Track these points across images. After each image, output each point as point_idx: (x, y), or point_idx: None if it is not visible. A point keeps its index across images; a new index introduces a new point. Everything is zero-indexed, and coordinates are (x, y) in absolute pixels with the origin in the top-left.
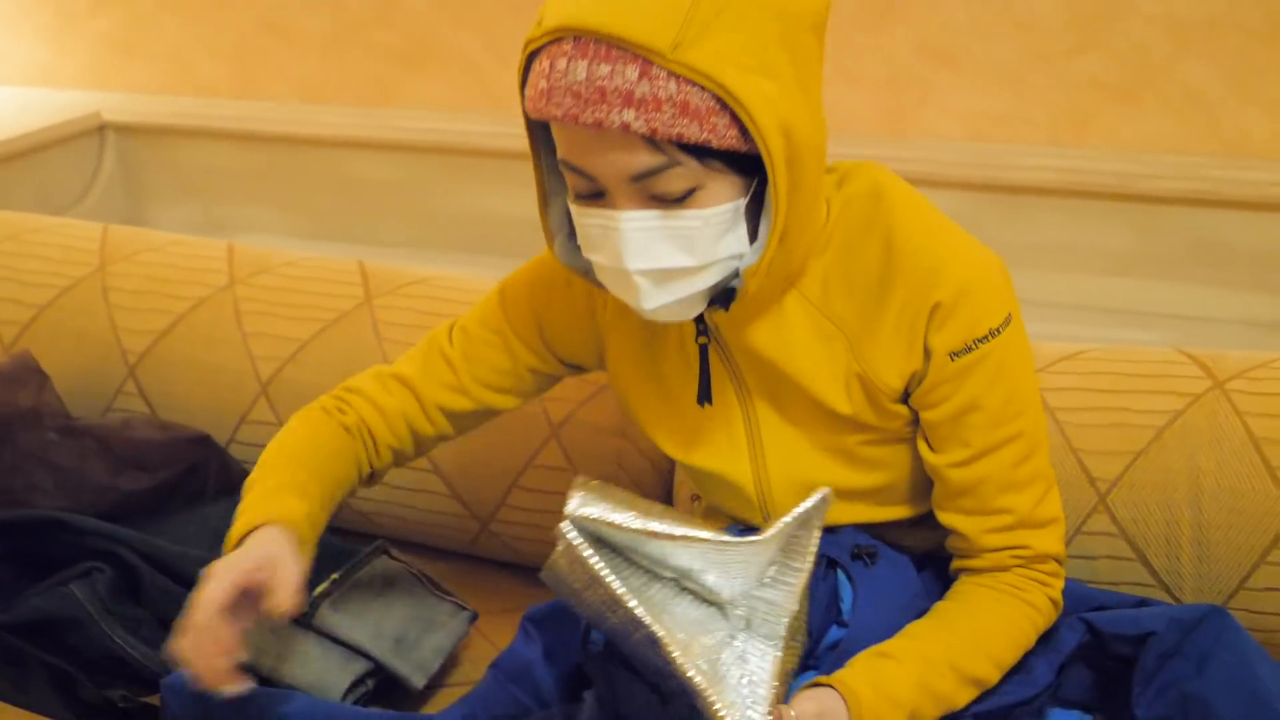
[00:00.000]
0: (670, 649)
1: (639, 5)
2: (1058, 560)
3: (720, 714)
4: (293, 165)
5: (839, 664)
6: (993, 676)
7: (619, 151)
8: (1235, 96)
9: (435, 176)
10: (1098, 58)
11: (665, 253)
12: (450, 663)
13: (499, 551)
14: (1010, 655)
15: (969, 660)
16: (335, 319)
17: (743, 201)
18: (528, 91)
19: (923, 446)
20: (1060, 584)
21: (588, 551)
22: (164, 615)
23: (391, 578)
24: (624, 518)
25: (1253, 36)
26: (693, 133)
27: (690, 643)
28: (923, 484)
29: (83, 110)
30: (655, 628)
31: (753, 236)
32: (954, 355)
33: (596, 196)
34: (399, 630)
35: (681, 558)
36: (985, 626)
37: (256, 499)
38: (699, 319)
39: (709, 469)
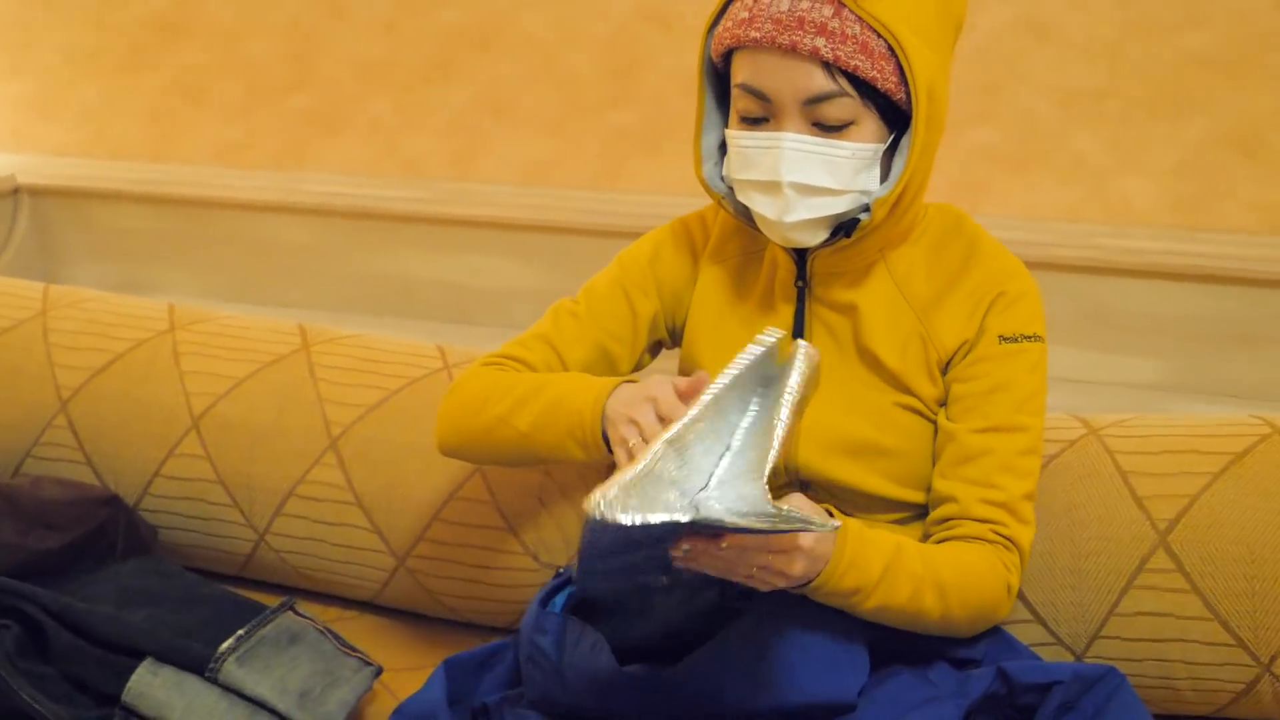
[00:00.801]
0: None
1: None
2: (1021, 563)
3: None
4: (207, 228)
5: None
6: (953, 600)
7: (801, 74)
8: (1120, 165)
9: (348, 239)
10: (990, 128)
11: (815, 173)
12: (354, 717)
13: (410, 595)
14: (973, 593)
15: (939, 565)
16: (272, 361)
17: (882, 147)
18: (724, 23)
19: (943, 419)
20: (1017, 584)
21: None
22: (71, 672)
23: (297, 633)
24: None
25: (1137, 107)
26: (865, 69)
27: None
28: (926, 472)
29: None
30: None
31: (881, 182)
32: (1003, 339)
33: (761, 121)
34: (304, 685)
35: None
36: (958, 555)
37: (567, 397)
38: (800, 267)
39: None
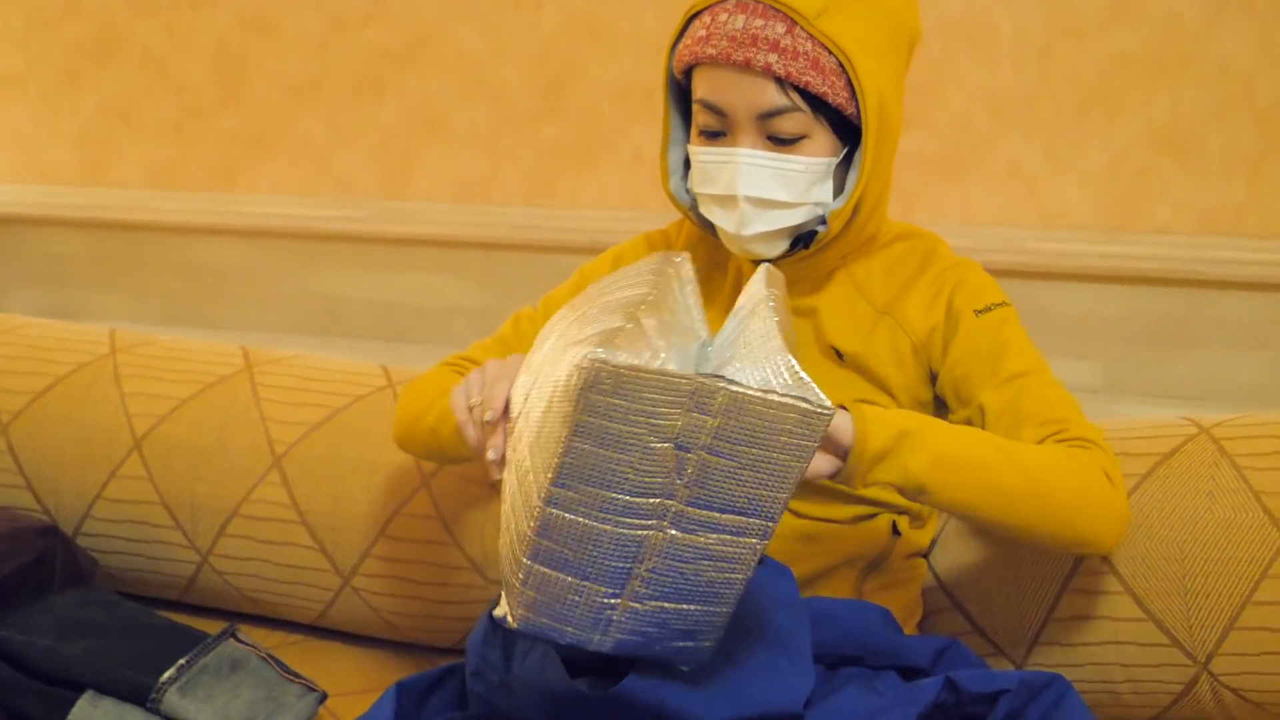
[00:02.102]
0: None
1: None
2: (1106, 456)
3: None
4: (141, 251)
5: None
6: (1039, 473)
7: (755, 90)
8: (1052, 169)
9: (283, 260)
10: (922, 135)
11: (770, 186)
12: None
13: (355, 616)
14: (1061, 472)
15: (1005, 443)
16: (215, 382)
17: (834, 161)
18: (684, 41)
19: (961, 414)
20: (1117, 474)
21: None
22: (9, 705)
23: (239, 661)
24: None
25: (1067, 109)
26: (816, 84)
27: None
28: None
29: None
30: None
31: (836, 196)
32: (978, 312)
33: (719, 135)
34: (246, 713)
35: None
36: (1027, 445)
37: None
38: None
39: None
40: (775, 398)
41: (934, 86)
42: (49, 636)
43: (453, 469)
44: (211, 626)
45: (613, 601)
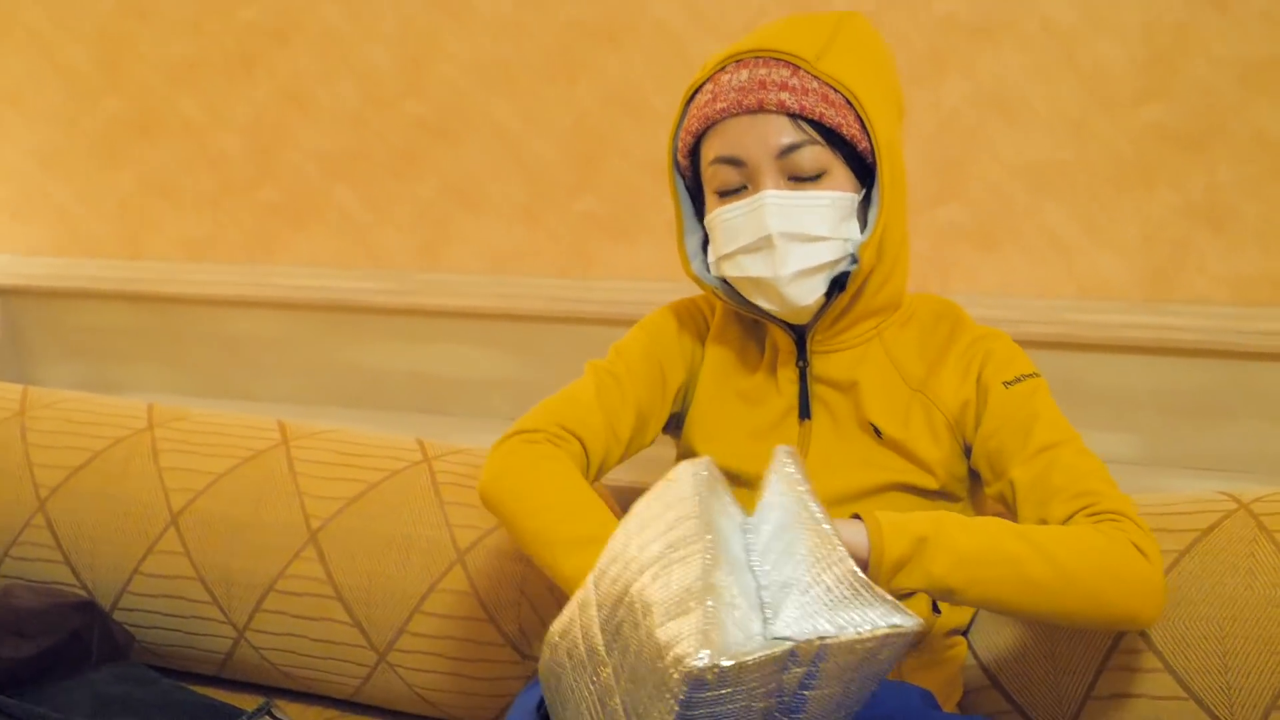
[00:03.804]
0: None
1: (787, 34)
2: (1138, 527)
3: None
4: (178, 323)
5: None
6: (1066, 558)
7: (770, 129)
8: (1088, 240)
9: (318, 331)
10: (957, 206)
11: (801, 220)
12: None
13: (390, 692)
14: (1090, 554)
15: (1030, 530)
16: (251, 456)
17: (857, 198)
18: (690, 112)
19: (993, 489)
20: (1150, 546)
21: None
22: None
23: None
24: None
25: (1104, 181)
26: (830, 116)
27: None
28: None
29: None
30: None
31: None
32: (1007, 384)
33: (740, 190)
34: None
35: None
36: (1052, 527)
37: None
38: (800, 348)
39: (748, 472)
40: (866, 636)
41: (968, 158)
42: (85, 713)
43: (488, 545)
44: (248, 702)
45: None
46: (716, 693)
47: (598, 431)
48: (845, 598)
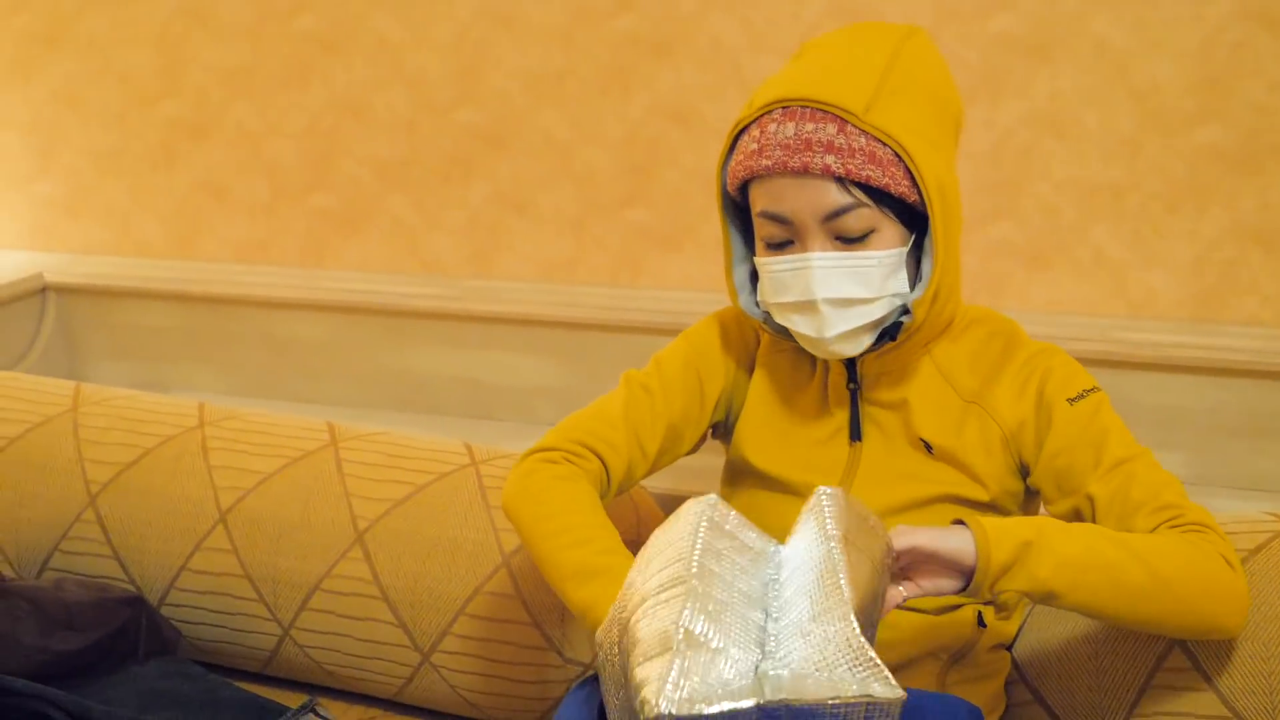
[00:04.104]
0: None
1: (837, 78)
2: (1220, 538)
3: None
4: (228, 325)
5: None
6: (1161, 565)
7: (817, 193)
8: (1139, 259)
9: (369, 336)
10: (1010, 224)
11: (846, 285)
12: None
13: (434, 693)
14: (1180, 560)
15: (1126, 537)
16: (300, 457)
17: (905, 250)
18: (736, 157)
19: (1063, 507)
20: (1233, 556)
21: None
22: None
23: None
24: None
25: (1155, 201)
26: (877, 177)
27: None
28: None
29: (26, 271)
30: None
31: (911, 284)
32: (1071, 400)
33: (786, 244)
34: None
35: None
36: (1146, 535)
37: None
38: (850, 371)
39: (798, 482)
40: (840, 703)
41: (1020, 177)
42: (132, 706)
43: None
44: (292, 699)
45: None
46: None
47: (620, 449)
48: (833, 658)
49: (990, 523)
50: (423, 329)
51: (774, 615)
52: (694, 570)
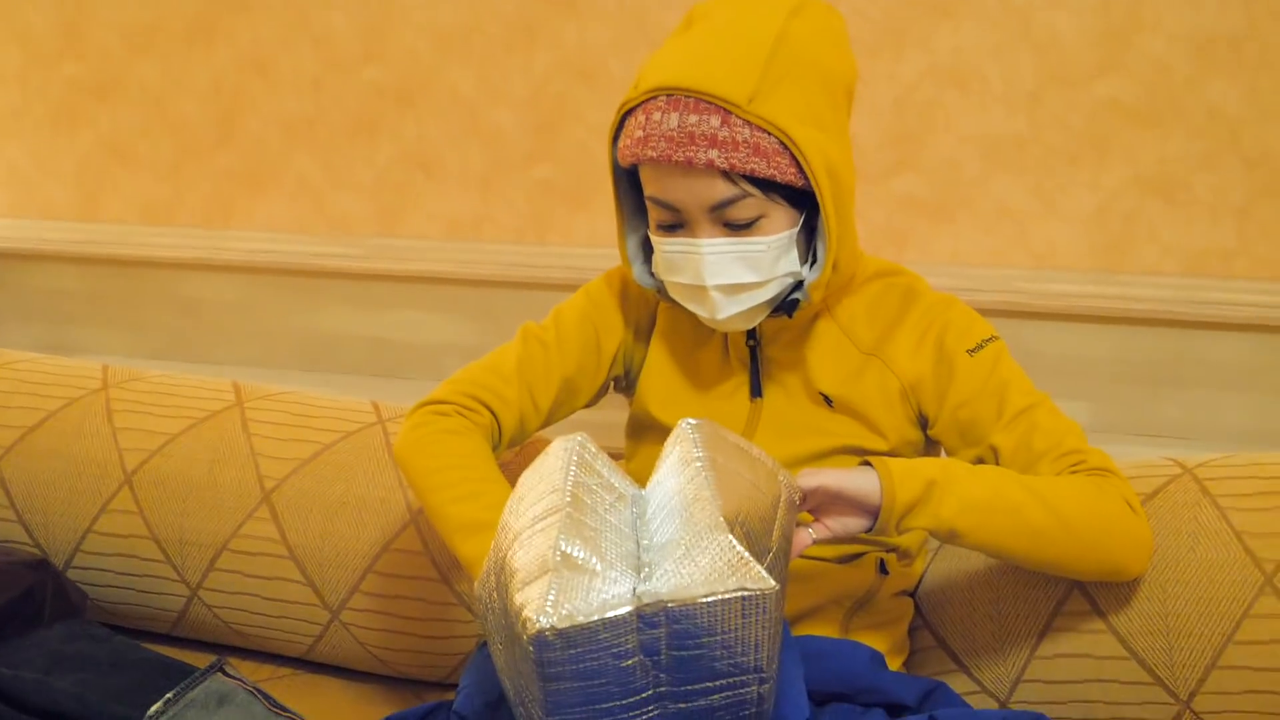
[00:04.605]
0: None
1: (721, 67)
2: (1124, 484)
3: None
4: (135, 287)
5: None
6: (1064, 507)
7: (702, 185)
8: (1042, 211)
9: (276, 296)
10: (913, 177)
11: (736, 271)
12: None
13: (344, 650)
14: (1085, 502)
15: (1027, 479)
16: (205, 417)
17: (795, 231)
18: (623, 140)
19: (962, 455)
20: (1136, 500)
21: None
22: None
23: (226, 695)
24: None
25: (1057, 154)
26: (761, 169)
27: None
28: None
29: None
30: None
31: (803, 259)
32: (971, 351)
33: (677, 227)
34: None
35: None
36: (1047, 478)
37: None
38: (750, 330)
39: None
40: (715, 599)
41: (923, 130)
42: (39, 670)
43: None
44: (202, 660)
45: None
46: (565, 653)
47: (511, 403)
48: (706, 564)
49: (896, 463)
50: (331, 288)
51: (645, 544)
52: (568, 500)
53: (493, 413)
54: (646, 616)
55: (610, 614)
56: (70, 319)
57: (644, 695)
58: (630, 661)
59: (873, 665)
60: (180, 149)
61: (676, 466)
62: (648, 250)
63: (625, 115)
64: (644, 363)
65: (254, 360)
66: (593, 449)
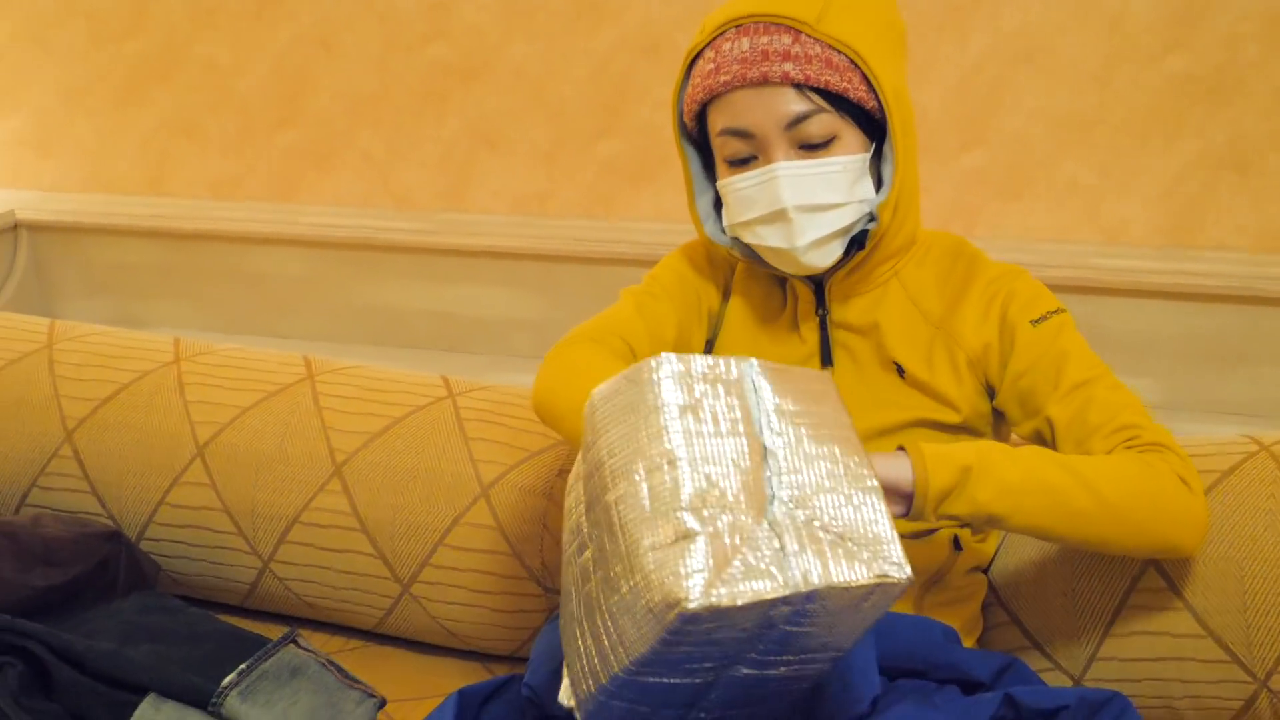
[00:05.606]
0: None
1: None
2: (1180, 460)
3: None
4: (202, 261)
5: None
6: (1108, 490)
7: (777, 102)
8: (1112, 187)
9: (343, 271)
10: (981, 154)
11: (815, 190)
12: None
13: (414, 623)
14: (1132, 482)
15: (1072, 460)
16: (276, 391)
17: (868, 156)
18: (693, 81)
19: (1026, 428)
20: (1193, 477)
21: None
22: (74, 709)
23: (299, 666)
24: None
25: (1126, 130)
26: (835, 82)
27: None
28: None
29: None
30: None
31: (876, 192)
32: (1034, 322)
33: (750, 160)
34: (306, 718)
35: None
36: (1096, 457)
37: None
38: (819, 295)
39: None
40: (857, 584)
41: (992, 107)
42: (112, 640)
43: (512, 480)
44: (272, 632)
45: (679, 714)
46: (703, 627)
47: (640, 335)
48: (863, 537)
49: (930, 448)
50: (396, 263)
51: (780, 471)
52: (676, 444)
53: (625, 341)
54: (787, 598)
55: (763, 598)
56: (138, 293)
57: (728, 661)
58: (744, 633)
59: (946, 641)
60: (246, 125)
61: (807, 383)
62: (717, 214)
63: (692, 64)
64: (719, 333)
65: (320, 334)
66: (684, 360)
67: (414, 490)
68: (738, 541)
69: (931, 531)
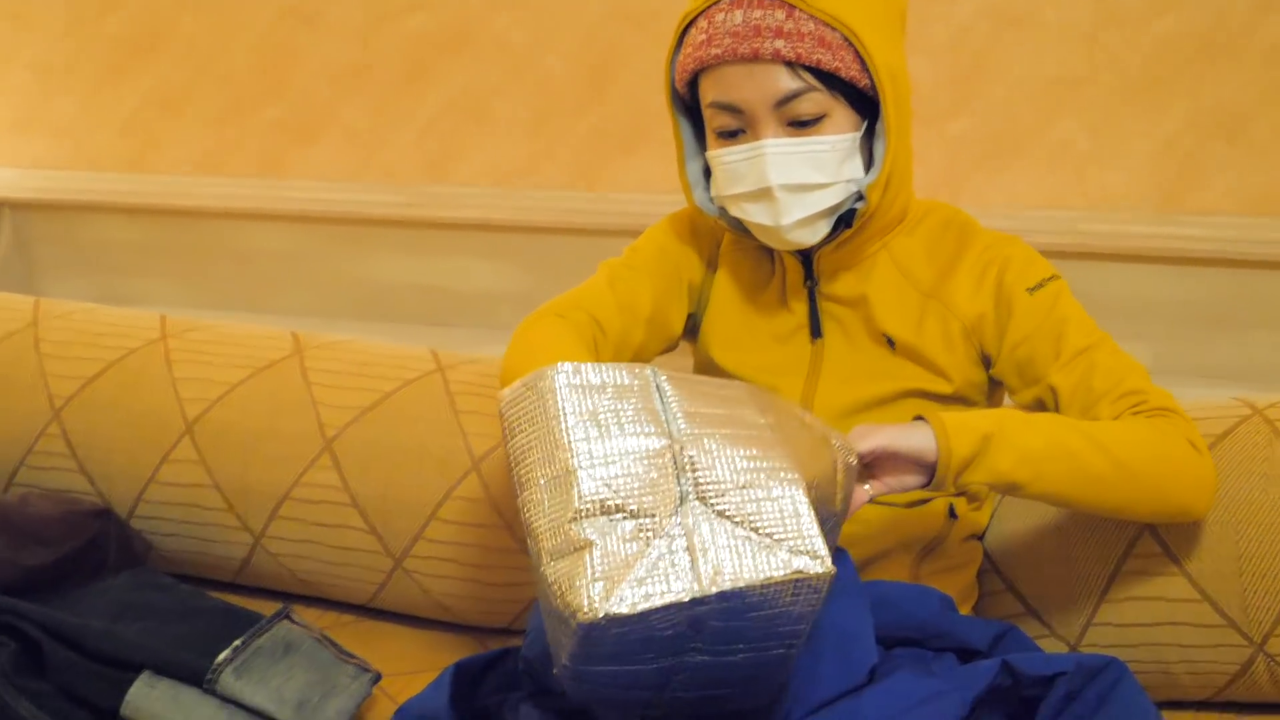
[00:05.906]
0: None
1: None
2: (1186, 423)
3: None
4: (187, 237)
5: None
6: (1123, 453)
7: (767, 79)
8: (1100, 152)
9: (329, 245)
10: (969, 120)
11: (801, 170)
12: None
13: (407, 597)
14: (1145, 447)
15: (1086, 426)
16: (265, 366)
17: (858, 135)
18: (685, 49)
19: (1026, 396)
20: (1199, 439)
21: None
22: (67, 687)
23: (293, 642)
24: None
25: (1115, 94)
26: (827, 60)
27: None
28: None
29: None
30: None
31: (865, 172)
32: (1031, 290)
33: (738, 134)
34: (301, 694)
35: None
36: (1109, 422)
37: None
38: (807, 267)
39: (764, 384)
40: (773, 584)
41: (978, 73)
42: (105, 618)
43: (503, 453)
44: (265, 608)
45: (653, 697)
46: (610, 632)
47: (610, 309)
48: (770, 536)
49: (950, 418)
50: (382, 236)
51: (693, 462)
52: (574, 454)
53: (592, 316)
54: (700, 600)
55: (669, 602)
56: (123, 270)
57: (674, 653)
58: (671, 631)
59: (943, 609)
60: (229, 101)
61: (717, 389)
62: (706, 180)
63: (685, 29)
64: (707, 304)
65: (307, 309)
66: (578, 368)
67: (405, 465)
68: (643, 546)
69: (925, 502)
